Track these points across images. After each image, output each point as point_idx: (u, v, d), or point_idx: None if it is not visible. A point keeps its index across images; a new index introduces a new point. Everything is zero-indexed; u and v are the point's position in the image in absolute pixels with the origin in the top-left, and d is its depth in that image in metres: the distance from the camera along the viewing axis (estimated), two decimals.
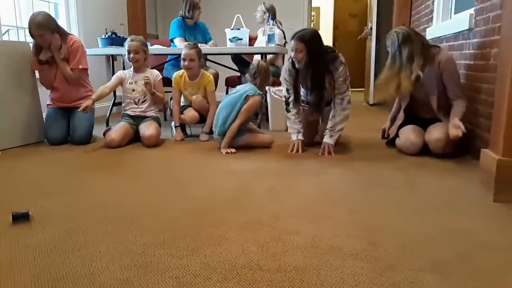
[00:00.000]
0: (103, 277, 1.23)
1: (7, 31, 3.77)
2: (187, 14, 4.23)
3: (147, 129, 3.16)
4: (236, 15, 4.26)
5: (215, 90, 3.57)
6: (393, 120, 3.22)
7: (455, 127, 2.42)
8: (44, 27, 3.09)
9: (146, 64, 3.42)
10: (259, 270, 1.27)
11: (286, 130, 3.81)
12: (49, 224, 1.64)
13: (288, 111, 3.04)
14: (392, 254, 1.36)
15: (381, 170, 2.41)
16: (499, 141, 1.91)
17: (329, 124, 2.89)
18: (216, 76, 4.04)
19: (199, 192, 2.03)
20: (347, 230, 1.56)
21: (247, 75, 3.19)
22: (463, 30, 2.89)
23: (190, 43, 3.47)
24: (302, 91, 3.03)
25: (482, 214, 1.72)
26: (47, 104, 3.38)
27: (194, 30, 4.37)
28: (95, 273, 1.25)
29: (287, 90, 3.03)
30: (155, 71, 3.46)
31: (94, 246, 1.44)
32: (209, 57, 4.29)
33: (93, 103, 3.08)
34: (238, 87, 3.16)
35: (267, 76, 3.10)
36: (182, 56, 3.34)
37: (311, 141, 3.16)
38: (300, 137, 2.97)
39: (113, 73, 4.25)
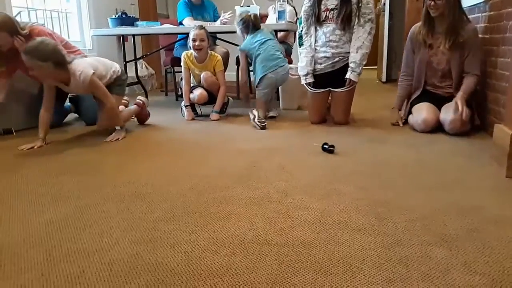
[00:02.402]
0: (113, 251, 1.25)
1: (19, 13, 3.79)
2: None
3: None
4: None
5: (225, 70, 3.56)
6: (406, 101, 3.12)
7: (456, 108, 2.51)
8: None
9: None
10: (267, 244, 1.27)
11: (297, 108, 3.80)
12: (61, 202, 1.67)
13: (301, 44, 3.05)
14: (401, 229, 1.36)
15: (392, 146, 2.38)
16: None
17: (352, 58, 2.91)
18: (226, 55, 4.01)
19: (209, 170, 2.04)
20: (356, 205, 1.56)
21: (240, 27, 3.41)
22: (479, 3, 2.81)
23: (198, 24, 3.40)
24: (320, 35, 2.98)
25: (494, 190, 1.69)
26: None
27: (201, 9, 4.33)
28: (106, 248, 1.28)
29: (303, 23, 3.05)
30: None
31: (104, 223, 1.46)
32: (219, 35, 4.26)
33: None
34: (259, 35, 3.33)
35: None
36: (192, 37, 3.30)
37: (322, 117, 3.17)
38: (309, 79, 3.05)
39: (124, 53, 4.27)
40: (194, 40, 3.29)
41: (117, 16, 4.22)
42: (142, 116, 3.27)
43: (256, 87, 3.34)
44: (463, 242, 1.26)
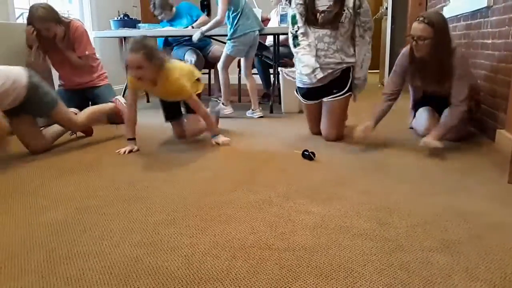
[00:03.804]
0: (113, 254, 1.25)
1: (21, 14, 3.79)
2: (159, 17, 4.25)
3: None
4: None
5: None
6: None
7: (429, 142, 2.24)
8: (48, 20, 3.02)
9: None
10: (268, 249, 1.27)
11: (299, 112, 3.79)
12: (62, 204, 1.67)
13: (297, 45, 2.69)
14: (402, 234, 1.35)
15: (393, 150, 2.38)
16: None
17: (357, 74, 2.68)
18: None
19: (209, 173, 2.03)
20: (357, 210, 1.55)
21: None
22: (481, 8, 2.80)
23: (136, 38, 2.33)
24: (314, 36, 2.62)
25: (495, 196, 1.69)
26: (59, 85, 3.42)
27: (176, 20, 4.32)
28: (106, 251, 1.27)
29: (299, 23, 2.68)
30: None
31: (105, 225, 1.46)
32: (220, 38, 4.25)
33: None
34: None
35: None
36: (125, 63, 2.36)
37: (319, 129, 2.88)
38: (320, 73, 2.62)
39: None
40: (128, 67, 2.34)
41: (119, 18, 4.23)
42: (116, 116, 3.07)
43: (231, 39, 3.42)
44: (465, 248, 1.26)
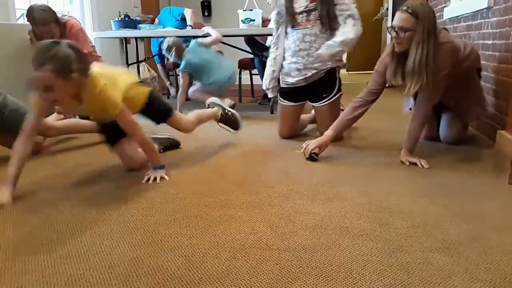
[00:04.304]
0: (114, 254, 1.25)
1: (22, 15, 3.80)
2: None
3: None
4: None
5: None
6: None
7: (406, 161, 2.13)
8: (47, 21, 3.01)
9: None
10: (268, 249, 1.27)
11: None
12: (61, 204, 1.67)
13: (270, 54, 2.78)
14: (402, 235, 1.35)
15: (393, 152, 2.38)
16: None
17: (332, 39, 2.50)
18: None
19: (209, 174, 2.03)
20: (357, 210, 1.55)
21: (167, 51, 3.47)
22: (482, 9, 2.80)
23: (41, 45, 1.64)
24: (289, 44, 2.64)
25: (495, 197, 1.69)
26: None
27: (165, 27, 4.33)
28: (106, 250, 1.27)
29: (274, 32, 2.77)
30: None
31: (105, 225, 1.46)
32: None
33: None
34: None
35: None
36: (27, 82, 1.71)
37: (293, 132, 2.82)
38: (271, 94, 2.85)
39: (127, 56, 4.27)
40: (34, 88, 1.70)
41: (120, 18, 4.24)
42: None
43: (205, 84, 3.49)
44: (465, 249, 1.26)
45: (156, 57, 4.85)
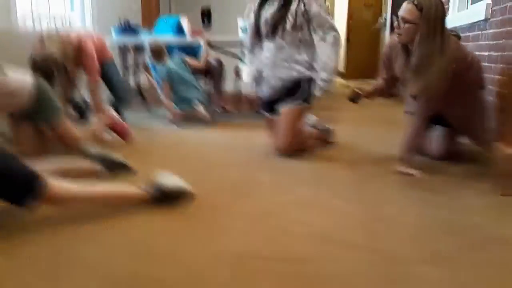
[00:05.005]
0: (112, 266, 1.26)
1: (24, 20, 3.81)
2: None
3: None
4: (248, 4, 4.22)
5: (222, 80, 3.66)
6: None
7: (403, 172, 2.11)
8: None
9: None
10: (265, 259, 1.28)
11: None
12: (59, 214, 1.66)
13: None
14: (395, 246, 1.37)
15: (387, 162, 2.38)
16: (510, 134, 1.89)
17: (320, 76, 2.41)
18: (219, 64, 4.01)
19: (206, 184, 2.03)
20: (350, 221, 1.57)
21: None
22: (479, 21, 2.84)
23: None
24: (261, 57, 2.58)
25: (488, 208, 1.70)
26: None
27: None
28: (104, 262, 1.28)
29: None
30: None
31: (104, 235, 1.47)
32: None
33: None
34: None
35: None
36: None
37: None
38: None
39: (127, 62, 4.28)
40: None
41: (120, 25, 4.26)
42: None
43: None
44: (457, 261, 1.27)
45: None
